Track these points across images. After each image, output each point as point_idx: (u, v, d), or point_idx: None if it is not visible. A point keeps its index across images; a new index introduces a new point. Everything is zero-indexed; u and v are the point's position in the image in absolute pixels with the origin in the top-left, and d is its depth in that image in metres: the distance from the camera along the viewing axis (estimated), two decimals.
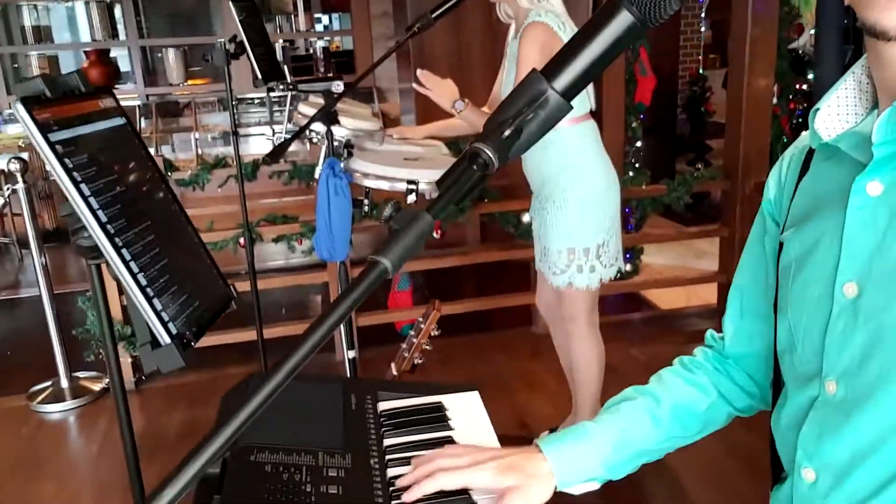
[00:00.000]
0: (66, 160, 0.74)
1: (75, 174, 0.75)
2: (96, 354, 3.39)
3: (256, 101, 7.13)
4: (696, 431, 1.01)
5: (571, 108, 0.63)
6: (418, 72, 2.23)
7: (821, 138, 0.80)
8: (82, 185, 0.75)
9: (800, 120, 4.22)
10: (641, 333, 3.91)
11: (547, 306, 2.73)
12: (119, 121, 0.88)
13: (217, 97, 7.04)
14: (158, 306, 0.79)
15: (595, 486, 0.98)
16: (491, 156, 0.59)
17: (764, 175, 3.82)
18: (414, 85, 2.24)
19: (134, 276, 0.77)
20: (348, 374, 2.23)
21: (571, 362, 2.60)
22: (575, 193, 2.29)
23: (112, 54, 7.84)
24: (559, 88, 0.61)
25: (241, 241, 3.27)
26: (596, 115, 2.41)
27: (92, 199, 0.76)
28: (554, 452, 0.93)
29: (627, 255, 4.88)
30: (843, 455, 0.77)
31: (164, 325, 0.79)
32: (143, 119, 6.56)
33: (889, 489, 0.73)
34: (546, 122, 0.62)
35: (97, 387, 3.45)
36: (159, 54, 7.80)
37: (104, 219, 0.76)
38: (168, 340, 0.79)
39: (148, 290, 0.78)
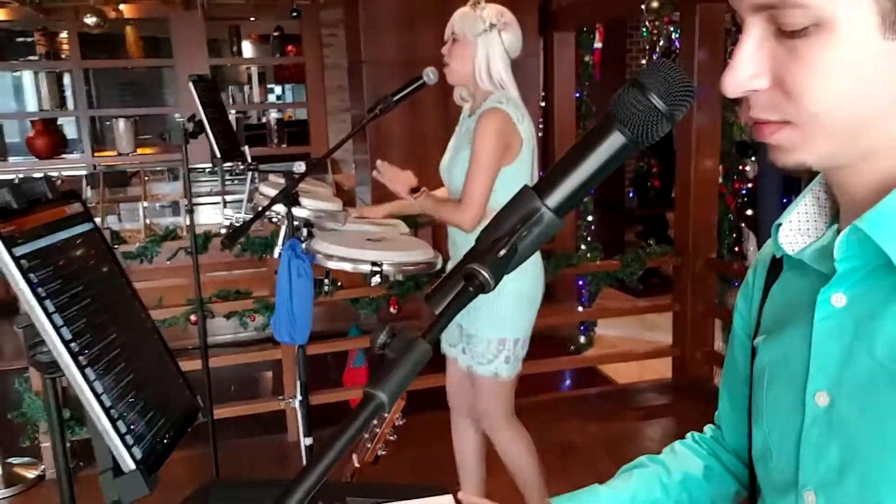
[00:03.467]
0: (31, 275, 0.68)
1: (39, 290, 0.69)
2: (32, 440, 3.20)
3: (207, 171, 7.04)
4: None
5: (564, 224, 0.63)
6: (378, 162, 2.24)
7: (784, 252, 0.81)
8: (46, 302, 0.69)
9: (745, 199, 4.38)
10: (599, 409, 3.88)
11: (458, 390, 2.55)
12: (86, 226, 0.83)
13: (167, 166, 6.95)
14: (122, 429, 0.72)
15: None
16: (488, 277, 0.58)
17: (713, 251, 3.93)
18: (374, 174, 2.25)
19: (98, 396, 0.71)
20: (304, 462, 2.14)
21: (502, 456, 2.47)
22: (515, 284, 2.23)
23: (59, 121, 7.72)
24: (552, 206, 0.62)
25: (193, 318, 3.18)
26: None
27: (56, 316, 0.69)
28: None
29: (582, 328, 4.92)
30: None
31: (129, 448, 0.73)
32: (89, 188, 6.41)
33: None
34: (539, 238, 0.62)
35: (31, 474, 3.24)
36: (108, 122, 7.69)
37: (68, 336, 0.70)
38: (132, 466, 0.73)
39: (112, 411, 0.72)
